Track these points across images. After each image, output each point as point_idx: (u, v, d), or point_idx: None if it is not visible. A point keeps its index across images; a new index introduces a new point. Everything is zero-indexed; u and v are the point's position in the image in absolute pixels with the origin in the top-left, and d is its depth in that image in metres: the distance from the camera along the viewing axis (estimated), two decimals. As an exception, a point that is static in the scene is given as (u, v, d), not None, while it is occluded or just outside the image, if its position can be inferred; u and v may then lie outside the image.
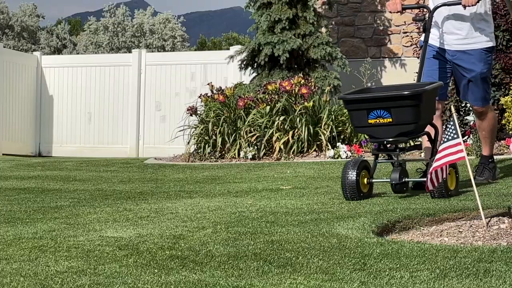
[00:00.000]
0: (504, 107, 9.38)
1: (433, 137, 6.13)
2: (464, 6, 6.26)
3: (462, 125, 10.36)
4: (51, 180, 8.74)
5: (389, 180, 5.98)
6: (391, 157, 6.02)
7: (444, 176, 5.39)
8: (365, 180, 5.93)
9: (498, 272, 3.37)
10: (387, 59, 14.43)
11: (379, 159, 6.08)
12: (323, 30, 13.73)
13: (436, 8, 6.36)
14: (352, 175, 5.81)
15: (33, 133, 17.02)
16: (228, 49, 17.24)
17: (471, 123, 10.24)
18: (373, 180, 6.01)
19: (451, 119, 4.78)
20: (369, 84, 12.91)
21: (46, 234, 4.73)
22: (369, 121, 5.80)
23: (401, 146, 6.11)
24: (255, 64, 13.13)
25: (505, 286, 3.17)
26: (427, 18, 6.39)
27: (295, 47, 12.63)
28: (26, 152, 16.65)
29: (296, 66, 12.95)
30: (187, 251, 4.08)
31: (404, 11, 6.58)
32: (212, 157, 11.18)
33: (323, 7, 14.54)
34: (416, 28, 12.34)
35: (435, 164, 4.97)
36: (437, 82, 6.03)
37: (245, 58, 13.17)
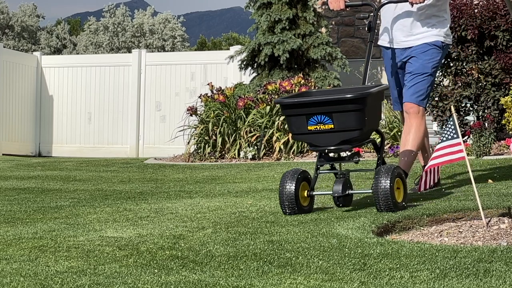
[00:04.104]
0: (504, 107, 9.38)
1: (378, 145, 5.66)
2: (412, 4, 5.93)
3: (462, 125, 10.36)
4: (51, 180, 8.74)
5: (331, 192, 5.40)
6: (334, 167, 5.52)
7: (437, 179, 5.23)
8: (305, 192, 5.34)
9: (498, 272, 3.37)
10: (387, 59, 14.40)
11: (320, 169, 5.48)
12: (323, 30, 13.73)
13: (382, 6, 6.05)
14: (290, 187, 5.23)
15: (33, 133, 17.01)
16: (228, 49, 17.23)
17: (471, 123, 10.23)
18: (314, 193, 5.42)
19: (451, 119, 4.78)
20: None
21: (46, 234, 4.74)
22: (309, 127, 5.24)
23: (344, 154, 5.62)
24: (255, 64, 13.13)
25: (505, 286, 3.17)
26: (372, 16, 6.03)
27: (295, 47, 12.63)
28: (26, 152, 16.64)
29: (296, 66, 12.95)
30: (187, 251, 4.08)
31: (347, 9, 6.29)
32: (212, 157, 11.18)
33: (323, 7, 14.54)
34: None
35: (431, 163, 4.77)
36: (382, 85, 5.62)
37: (245, 58, 13.17)
